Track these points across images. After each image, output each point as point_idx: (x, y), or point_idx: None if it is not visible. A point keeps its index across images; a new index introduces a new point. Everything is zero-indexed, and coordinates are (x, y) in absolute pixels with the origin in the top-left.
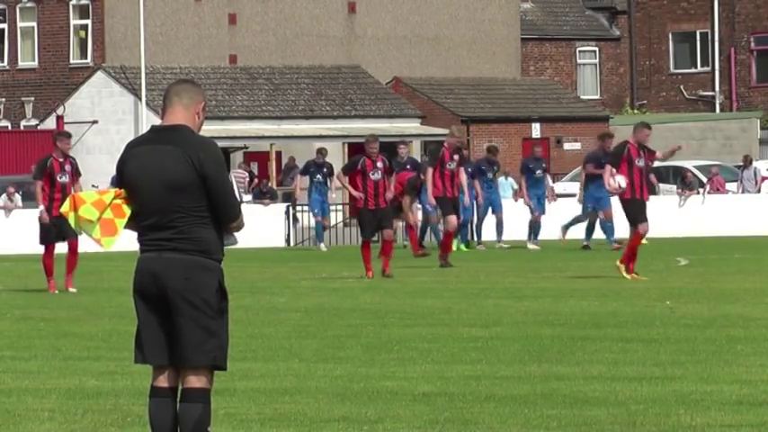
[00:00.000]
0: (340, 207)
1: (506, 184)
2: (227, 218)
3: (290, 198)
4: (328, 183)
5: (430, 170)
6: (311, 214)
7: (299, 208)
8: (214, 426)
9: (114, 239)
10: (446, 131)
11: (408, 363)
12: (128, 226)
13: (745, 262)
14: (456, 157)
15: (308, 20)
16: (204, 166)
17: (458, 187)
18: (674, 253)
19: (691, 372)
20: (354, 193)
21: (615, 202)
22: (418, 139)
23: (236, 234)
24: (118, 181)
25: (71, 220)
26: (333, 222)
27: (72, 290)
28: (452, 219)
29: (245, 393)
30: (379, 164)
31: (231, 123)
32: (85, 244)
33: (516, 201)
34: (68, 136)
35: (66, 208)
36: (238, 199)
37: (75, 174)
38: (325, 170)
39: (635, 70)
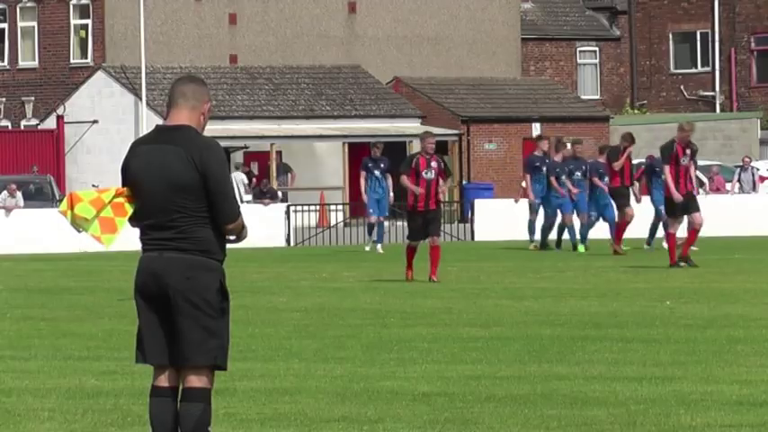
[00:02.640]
0: (340, 207)
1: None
2: (225, 219)
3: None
4: (387, 179)
5: (667, 168)
6: (367, 214)
7: (298, 207)
8: (214, 426)
9: (114, 237)
10: (447, 132)
11: (408, 363)
12: (129, 222)
13: (745, 262)
14: (688, 151)
15: (309, 20)
16: (206, 167)
17: (692, 182)
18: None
19: (691, 372)
20: (413, 188)
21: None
22: (418, 139)
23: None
24: (122, 179)
25: (68, 219)
26: (333, 222)
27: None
28: (698, 216)
29: (245, 393)
30: (433, 163)
31: (231, 123)
32: (85, 243)
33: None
34: None
35: (63, 207)
36: (239, 202)
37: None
38: (382, 165)
39: (635, 70)
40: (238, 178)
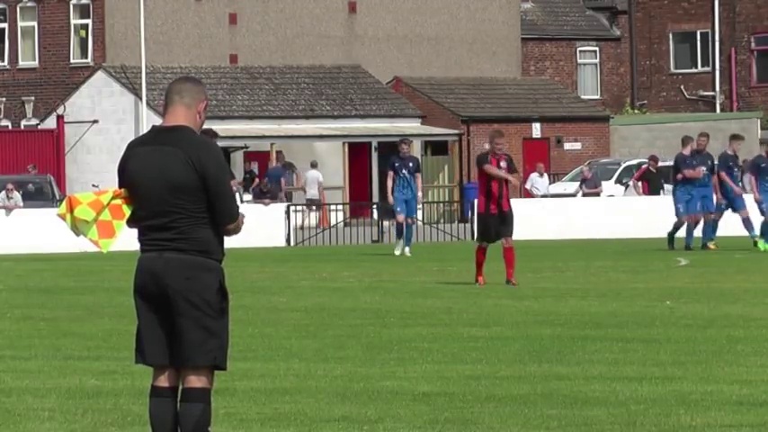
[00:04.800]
0: (340, 207)
1: None
2: (225, 220)
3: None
4: (416, 180)
5: None
6: (395, 213)
7: (298, 207)
8: (214, 426)
9: (112, 242)
10: (447, 131)
11: (408, 363)
12: (127, 223)
13: (745, 262)
14: None
15: (309, 20)
16: (205, 168)
17: None
18: (675, 253)
19: (691, 372)
20: (498, 172)
21: None
22: (418, 139)
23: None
24: (119, 180)
25: (67, 222)
26: (333, 222)
27: None
28: None
29: (245, 393)
30: (503, 163)
31: (231, 123)
32: (85, 243)
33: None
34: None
35: (62, 209)
36: (237, 202)
37: None
38: (411, 165)
39: (635, 70)
40: (312, 176)
